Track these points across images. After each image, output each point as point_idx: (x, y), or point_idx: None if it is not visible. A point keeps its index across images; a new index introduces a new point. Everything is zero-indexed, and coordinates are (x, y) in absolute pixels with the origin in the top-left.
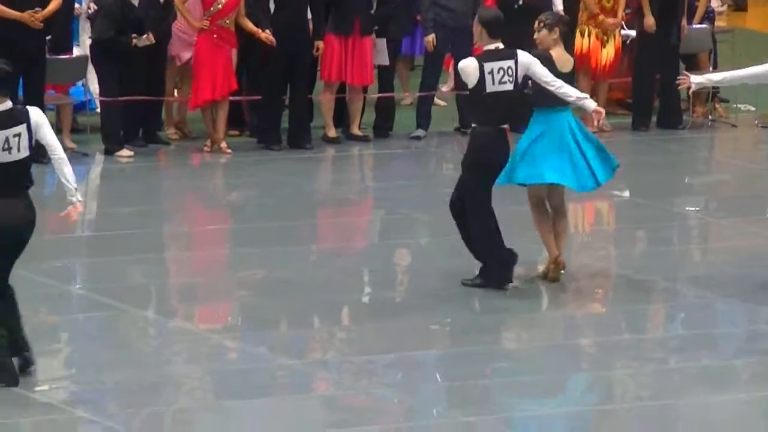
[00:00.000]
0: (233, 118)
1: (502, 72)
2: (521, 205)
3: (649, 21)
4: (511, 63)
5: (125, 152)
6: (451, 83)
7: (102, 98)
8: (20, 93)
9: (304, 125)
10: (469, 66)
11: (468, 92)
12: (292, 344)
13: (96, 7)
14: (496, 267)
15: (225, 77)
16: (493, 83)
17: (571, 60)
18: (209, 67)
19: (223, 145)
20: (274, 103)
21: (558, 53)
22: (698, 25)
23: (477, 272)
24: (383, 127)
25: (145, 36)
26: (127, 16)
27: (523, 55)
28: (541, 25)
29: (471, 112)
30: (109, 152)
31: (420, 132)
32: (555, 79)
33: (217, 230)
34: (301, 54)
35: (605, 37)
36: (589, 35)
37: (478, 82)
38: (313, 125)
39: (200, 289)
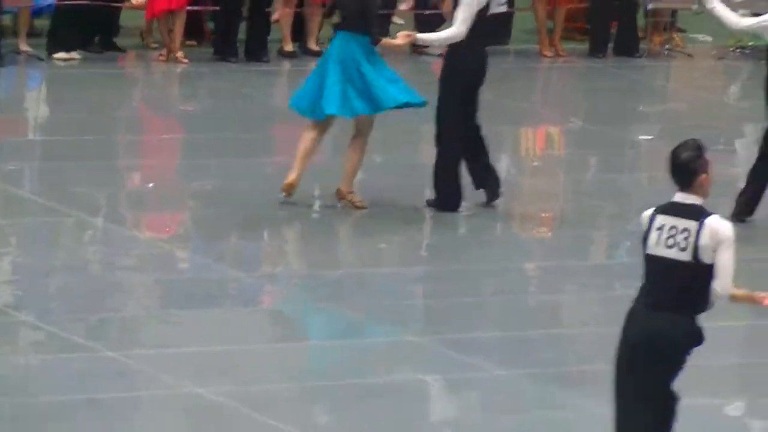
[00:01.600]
0: (192, 29)
1: None
2: None
3: None
4: None
5: (62, 55)
6: (409, 2)
7: (58, 1)
8: None
9: (262, 38)
10: None
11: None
12: (242, 256)
13: None
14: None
15: None
16: (499, 4)
17: None
18: None
19: (179, 54)
20: (231, 15)
21: None
22: None
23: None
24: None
25: None
26: None
27: None
28: None
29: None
30: (49, 54)
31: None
32: None
33: (170, 139)
34: None
35: None
36: None
37: (487, 4)
38: (271, 38)
39: (151, 198)
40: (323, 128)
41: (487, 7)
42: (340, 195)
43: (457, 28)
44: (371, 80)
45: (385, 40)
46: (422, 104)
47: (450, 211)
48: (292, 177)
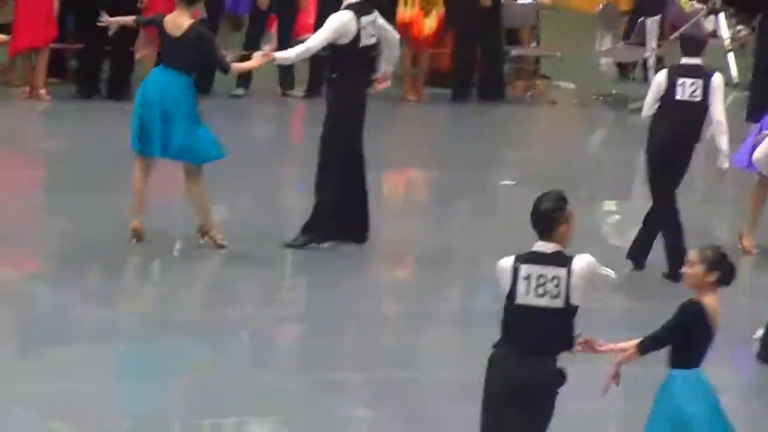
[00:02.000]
0: (55, 66)
1: (372, 26)
2: None
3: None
4: (375, 16)
5: None
6: (273, 44)
7: None
8: None
9: (125, 76)
10: (346, 20)
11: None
12: (103, 294)
13: None
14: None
15: (45, 24)
16: (366, 38)
17: (182, 27)
18: (29, 13)
19: (42, 91)
20: (95, 53)
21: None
22: (522, 0)
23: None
24: (204, 84)
25: None
26: None
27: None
28: None
29: (340, 66)
30: None
31: (240, 90)
32: None
33: (29, 176)
34: (123, 3)
35: (429, 7)
36: (412, 5)
37: (352, 40)
38: (134, 77)
39: (10, 234)
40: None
41: (357, 38)
42: (202, 231)
43: (311, 42)
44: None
45: (238, 65)
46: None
47: (317, 241)
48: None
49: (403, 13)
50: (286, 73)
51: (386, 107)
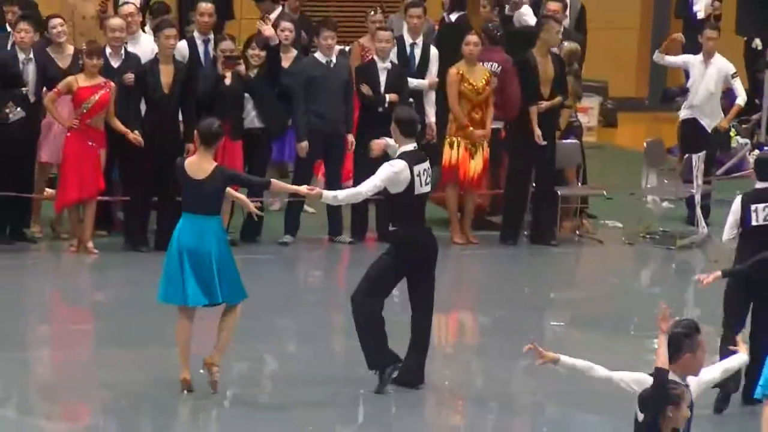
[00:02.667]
0: (102, 218)
1: (426, 174)
2: None
3: (538, 132)
4: (427, 164)
5: None
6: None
7: None
8: None
9: (171, 227)
10: (401, 169)
11: (389, 195)
12: None
13: None
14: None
15: (92, 177)
16: (421, 185)
17: (207, 170)
18: (77, 166)
19: (90, 245)
20: (141, 205)
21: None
22: (567, 140)
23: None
24: (251, 232)
25: (17, 108)
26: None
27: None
28: None
29: (396, 214)
30: None
31: (288, 238)
32: None
33: (80, 330)
34: (171, 156)
35: (473, 149)
36: (458, 146)
37: (408, 185)
38: None
39: (60, 389)
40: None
41: (411, 187)
42: (210, 363)
43: (363, 187)
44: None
45: (278, 182)
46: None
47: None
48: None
49: (449, 154)
50: (334, 219)
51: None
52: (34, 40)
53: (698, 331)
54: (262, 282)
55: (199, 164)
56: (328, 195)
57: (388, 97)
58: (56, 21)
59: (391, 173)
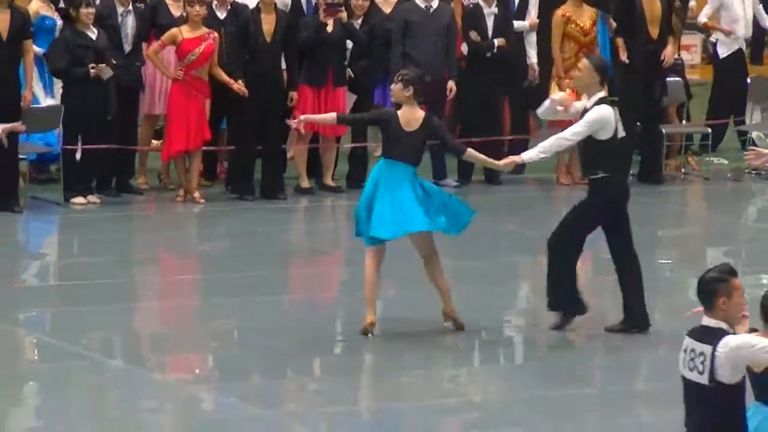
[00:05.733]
0: (207, 169)
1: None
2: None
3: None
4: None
5: (80, 200)
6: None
7: (64, 146)
8: None
9: (277, 176)
10: (610, 115)
11: (591, 142)
12: (265, 395)
13: None
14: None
15: (198, 128)
16: (620, 130)
17: (419, 120)
18: (182, 117)
19: (197, 194)
20: (247, 154)
21: (405, 111)
22: (671, 78)
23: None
24: (356, 178)
25: (104, 65)
26: (82, 47)
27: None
28: (398, 79)
29: (601, 161)
30: (66, 199)
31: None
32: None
33: (188, 280)
34: (274, 104)
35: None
36: (564, 88)
37: (615, 130)
38: (287, 176)
39: (171, 339)
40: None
41: (615, 132)
42: (446, 316)
43: (567, 132)
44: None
45: (473, 152)
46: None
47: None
48: (371, 317)
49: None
50: (438, 162)
51: (541, 190)
52: None
53: (733, 274)
54: None
55: (410, 116)
56: (531, 155)
57: (496, 41)
58: None
59: (601, 118)
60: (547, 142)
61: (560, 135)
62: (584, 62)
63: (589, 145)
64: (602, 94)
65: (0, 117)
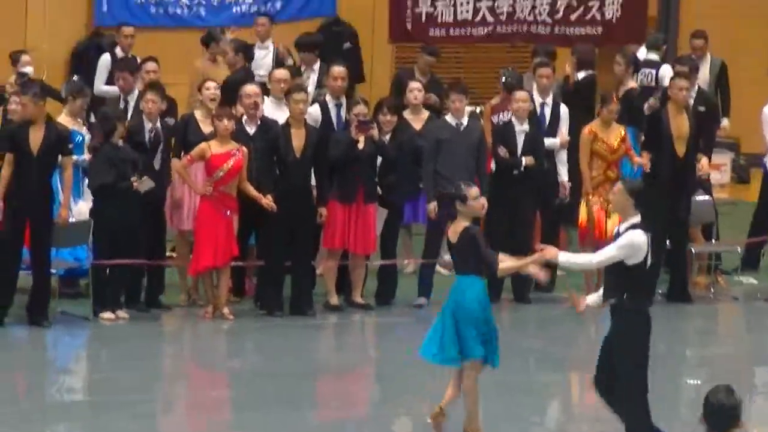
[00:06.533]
0: (236, 284)
1: (651, 245)
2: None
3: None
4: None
5: (108, 315)
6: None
7: (93, 262)
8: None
9: (306, 292)
10: (642, 241)
11: (618, 265)
12: None
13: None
14: None
15: (226, 243)
16: (651, 256)
17: (459, 231)
18: (211, 233)
19: (225, 310)
20: (276, 269)
21: (454, 223)
22: (701, 197)
23: None
24: (385, 295)
25: (145, 178)
26: (123, 160)
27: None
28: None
29: (625, 286)
30: (95, 314)
31: (422, 300)
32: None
33: (217, 395)
34: (304, 220)
35: (609, 207)
36: (593, 205)
37: (645, 257)
38: (316, 292)
39: None
40: None
41: (646, 258)
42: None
43: (598, 257)
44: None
45: (507, 265)
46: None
47: None
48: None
49: (585, 213)
50: None
51: (569, 309)
52: (161, 109)
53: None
54: (398, 344)
55: (457, 226)
56: (561, 258)
57: (524, 159)
58: (211, 84)
59: (633, 243)
60: (579, 257)
61: (592, 256)
62: (619, 186)
63: (614, 269)
64: (636, 219)
65: (33, 231)
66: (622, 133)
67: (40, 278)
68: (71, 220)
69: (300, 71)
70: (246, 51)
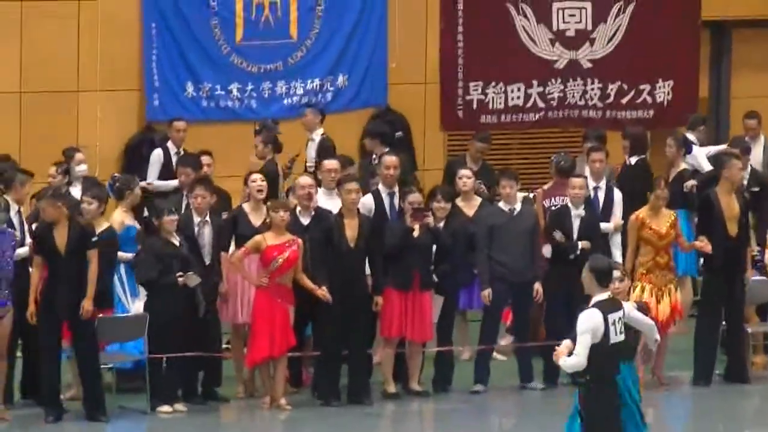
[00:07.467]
0: (293, 374)
1: (620, 323)
2: None
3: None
4: (621, 313)
5: (166, 408)
6: (509, 336)
7: (150, 355)
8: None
9: (363, 381)
10: (596, 320)
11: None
12: None
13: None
14: None
15: (283, 334)
16: (615, 334)
17: None
18: (267, 324)
19: (283, 401)
20: (332, 359)
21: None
22: (758, 277)
23: None
24: (442, 382)
25: (191, 273)
26: (169, 255)
27: (627, 307)
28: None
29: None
30: (153, 408)
31: (479, 387)
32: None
33: None
34: (359, 309)
35: (660, 293)
36: (644, 290)
37: (603, 334)
38: (373, 380)
39: None
40: None
41: (606, 336)
42: None
43: (577, 357)
44: None
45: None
46: None
47: None
48: None
49: (637, 298)
50: (524, 365)
51: None
52: (210, 203)
53: None
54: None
55: None
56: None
57: (580, 244)
58: (257, 176)
59: (590, 324)
60: (573, 361)
61: (574, 358)
62: (587, 265)
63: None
64: (601, 296)
65: (72, 328)
66: (672, 217)
67: (88, 373)
68: (131, 310)
69: (351, 161)
70: (275, 143)
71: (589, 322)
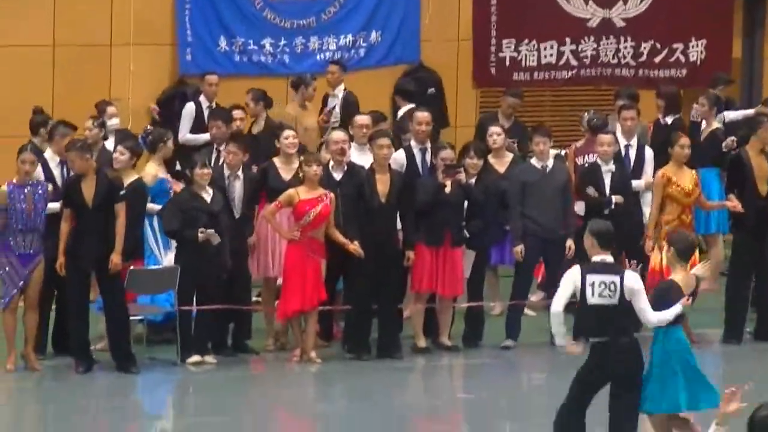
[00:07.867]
0: (323, 328)
1: (603, 286)
2: None
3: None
4: (616, 279)
5: (196, 359)
6: (540, 293)
7: (180, 307)
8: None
9: (394, 335)
10: (575, 276)
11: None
12: None
13: None
14: None
15: (314, 288)
16: (593, 296)
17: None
18: (299, 277)
19: (313, 354)
20: (363, 314)
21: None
22: None
23: None
24: (472, 337)
25: (211, 231)
26: (195, 209)
27: (630, 277)
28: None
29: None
30: (182, 360)
31: (509, 342)
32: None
33: None
34: (390, 264)
35: None
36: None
37: (581, 293)
38: (403, 335)
39: None
40: None
41: (583, 295)
42: None
43: (556, 304)
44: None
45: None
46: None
47: None
48: None
49: (656, 258)
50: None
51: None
52: (243, 160)
53: None
54: (486, 386)
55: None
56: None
57: (614, 198)
58: (289, 132)
59: (569, 276)
60: (553, 317)
61: (553, 306)
62: (588, 228)
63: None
64: (597, 258)
65: (100, 281)
66: (694, 177)
67: (116, 327)
68: (163, 262)
69: (384, 116)
70: (265, 100)
71: (568, 275)
